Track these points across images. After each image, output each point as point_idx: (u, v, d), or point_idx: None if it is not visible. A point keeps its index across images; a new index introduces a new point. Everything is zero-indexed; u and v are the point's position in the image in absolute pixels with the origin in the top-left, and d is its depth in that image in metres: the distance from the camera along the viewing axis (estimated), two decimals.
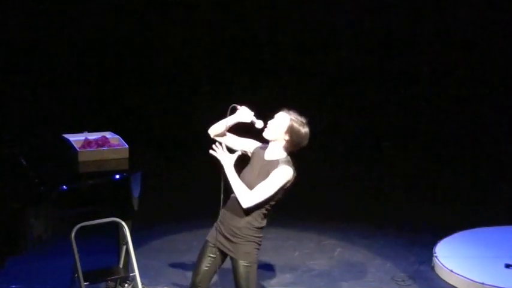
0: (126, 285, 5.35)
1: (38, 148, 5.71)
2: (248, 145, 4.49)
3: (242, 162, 4.43)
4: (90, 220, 4.93)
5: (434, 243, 6.40)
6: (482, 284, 5.74)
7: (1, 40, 8.33)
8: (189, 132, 9.10)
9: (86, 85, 8.89)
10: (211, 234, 4.50)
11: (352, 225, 7.12)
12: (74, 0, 8.78)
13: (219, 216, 4.48)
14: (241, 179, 4.33)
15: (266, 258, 6.16)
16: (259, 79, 9.13)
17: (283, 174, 4.25)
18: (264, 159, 4.36)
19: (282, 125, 4.31)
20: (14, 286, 5.63)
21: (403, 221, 7.23)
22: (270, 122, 4.35)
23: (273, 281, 5.93)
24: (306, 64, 9.34)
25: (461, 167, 8.66)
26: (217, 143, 4.35)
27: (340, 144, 9.02)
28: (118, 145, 5.47)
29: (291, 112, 4.35)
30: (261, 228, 4.38)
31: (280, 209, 4.41)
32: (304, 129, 4.32)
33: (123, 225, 5.11)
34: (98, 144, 5.41)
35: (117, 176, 5.12)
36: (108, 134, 5.63)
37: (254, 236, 4.37)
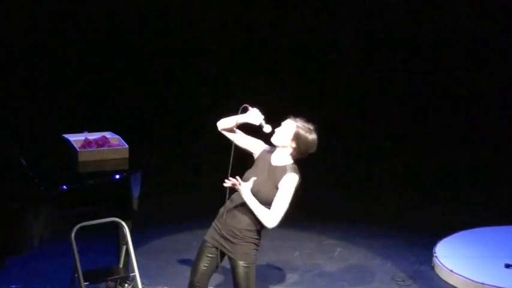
0: (126, 285, 5.35)
1: (38, 148, 5.71)
2: (254, 146, 4.49)
3: (241, 160, 4.43)
4: (90, 220, 4.93)
5: (434, 243, 6.41)
6: (482, 284, 5.74)
7: (1, 40, 8.33)
8: (189, 132, 9.12)
9: (86, 85, 8.89)
10: (210, 234, 4.50)
11: (352, 225, 7.12)
12: (74, 0, 8.79)
13: (217, 216, 4.49)
14: (245, 177, 4.34)
15: (266, 258, 6.16)
16: (259, 79, 9.13)
17: (292, 184, 4.27)
18: (271, 164, 4.36)
19: (288, 132, 4.31)
20: (14, 286, 5.63)
21: (403, 221, 7.23)
22: (276, 130, 4.35)
23: (273, 281, 5.93)
24: (306, 64, 9.35)
25: (461, 167, 8.66)
26: (231, 178, 4.28)
27: (340, 144, 9.01)
28: (118, 145, 5.47)
29: (297, 119, 4.36)
30: (261, 230, 4.40)
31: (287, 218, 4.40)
32: (311, 136, 4.32)
33: (123, 225, 5.11)
34: (98, 144, 5.41)
35: (117, 176, 5.12)
36: (108, 134, 5.63)
37: (253, 238, 4.38)
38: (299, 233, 6.86)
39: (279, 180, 4.27)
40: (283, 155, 4.35)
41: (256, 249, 4.41)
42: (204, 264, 4.49)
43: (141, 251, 6.08)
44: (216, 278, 5.40)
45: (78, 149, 5.31)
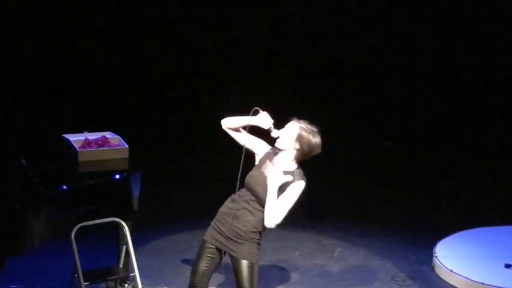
0: (126, 285, 5.35)
1: (38, 148, 5.71)
2: (258, 146, 4.49)
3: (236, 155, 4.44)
4: (90, 220, 4.92)
5: (434, 243, 6.40)
6: (482, 284, 5.74)
7: (1, 40, 8.34)
8: (189, 132, 9.13)
9: (86, 85, 8.90)
10: (210, 235, 4.50)
11: (352, 225, 7.11)
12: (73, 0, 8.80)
13: (216, 216, 4.49)
14: (251, 179, 4.35)
15: (266, 258, 6.16)
16: (259, 79, 9.14)
17: (299, 190, 4.29)
18: (277, 169, 4.35)
19: (291, 134, 4.32)
20: (14, 286, 5.63)
21: (403, 221, 7.23)
22: (280, 132, 4.36)
23: (273, 281, 5.92)
24: (306, 64, 9.36)
25: (461, 167, 8.66)
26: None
27: (340, 143, 9.01)
28: (118, 145, 5.47)
29: (301, 121, 4.36)
30: (263, 231, 4.42)
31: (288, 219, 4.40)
32: (315, 139, 4.33)
33: (123, 225, 5.11)
34: (98, 144, 5.41)
35: (117, 176, 5.12)
36: (108, 134, 5.63)
37: (257, 238, 4.41)
38: (299, 233, 6.86)
39: (286, 186, 4.28)
40: (288, 159, 4.36)
41: (259, 249, 4.44)
42: (204, 265, 4.50)
43: (141, 251, 6.07)
44: (217, 278, 5.41)
45: (78, 149, 5.31)
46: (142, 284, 5.15)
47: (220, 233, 4.44)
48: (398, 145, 9.22)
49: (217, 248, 4.47)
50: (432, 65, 9.20)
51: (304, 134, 4.31)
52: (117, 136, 5.60)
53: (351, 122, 9.32)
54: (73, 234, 4.85)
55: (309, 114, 4.45)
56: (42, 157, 5.41)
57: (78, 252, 4.89)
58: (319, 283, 5.97)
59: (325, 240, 6.82)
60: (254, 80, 9.08)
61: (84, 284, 4.89)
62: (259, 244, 4.43)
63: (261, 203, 4.31)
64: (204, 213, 4.76)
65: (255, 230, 4.38)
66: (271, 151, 4.45)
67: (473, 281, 5.80)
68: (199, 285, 4.51)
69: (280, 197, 4.27)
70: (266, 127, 4.39)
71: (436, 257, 6.19)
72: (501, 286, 5.69)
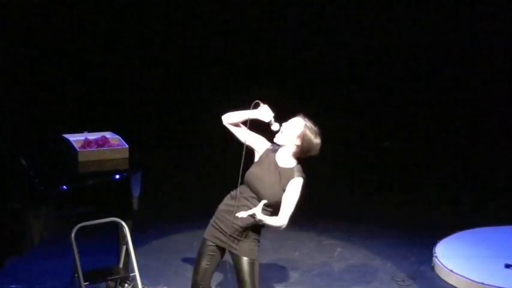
0: (126, 285, 5.35)
1: (38, 148, 5.71)
2: (258, 143, 4.49)
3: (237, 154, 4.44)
4: (90, 220, 4.93)
5: (434, 243, 6.40)
6: (482, 284, 5.74)
7: (1, 41, 8.33)
8: (189, 132, 9.12)
9: (86, 85, 8.89)
10: (209, 233, 4.51)
11: (352, 225, 7.11)
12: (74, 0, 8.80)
13: (216, 213, 4.50)
14: (251, 175, 4.36)
15: (266, 258, 6.16)
16: (259, 78, 9.13)
17: (299, 187, 4.32)
18: (278, 165, 4.37)
19: (295, 129, 4.33)
20: (14, 286, 5.62)
21: (403, 221, 7.23)
22: (284, 124, 4.36)
23: (273, 281, 5.92)
24: (306, 64, 9.35)
25: (461, 167, 8.66)
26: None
27: (339, 143, 9.01)
28: (118, 145, 5.47)
29: (306, 119, 4.38)
30: (262, 228, 4.44)
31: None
32: (316, 139, 4.35)
33: (123, 225, 5.11)
34: (98, 144, 5.41)
35: (117, 176, 5.12)
36: (108, 134, 5.63)
37: (257, 235, 4.44)
38: (299, 233, 6.86)
39: (287, 183, 4.31)
40: (287, 156, 4.37)
41: (258, 245, 4.46)
42: (206, 263, 4.51)
43: (141, 251, 6.07)
44: (217, 277, 5.41)
45: (78, 149, 5.31)
46: (142, 284, 5.15)
47: (220, 231, 4.44)
48: (398, 145, 9.22)
49: (217, 245, 4.47)
50: (432, 64, 9.19)
51: (308, 132, 4.33)
52: (117, 136, 5.60)
53: (351, 122, 9.31)
54: (73, 234, 4.85)
55: (309, 114, 4.45)
56: (42, 157, 5.40)
57: (78, 252, 4.89)
58: (319, 283, 5.97)
59: (325, 240, 6.82)
60: (254, 79, 9.08)
61: (84, 284, 4.89)
62: (259, 241, 4.45)
63: (260, 199, 4.33)
64: (204, 213, 4.76)
65: (255, 228, 4.39)
66: (271, 148, 4.45)
67: (473, 281, 5.80)
68: (201, 283, 4.52)
69: (283, 198, 4.29)
70: (267, 120, 4.40)
71: (436, 257, 6.19)
72: (501, 286, 5.69)
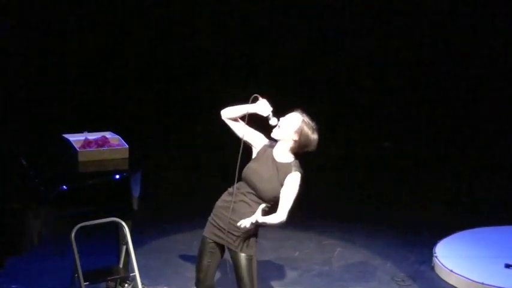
0: (126, 285, 5.35)
1: (38, 148, 5.71)
2: (256, 139, 4.49)
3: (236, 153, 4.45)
4: (90, 220, 4.93)
5: (434, 243, 6.40)
6: (482, 284, 5.74)
7: (1, 40, 8.34)
8: (189, 131, 9.12)
9: (86, 85, 8.89)
10: (208, 230, 4.52)
11: (352, 225, 7.11)
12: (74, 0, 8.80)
13: (214, 210, 4.51)
14: (249, 171, 4.37)
15: (266, 258, 6.16)
16: (259, 78, 9.13)
17: (297, 182, 4.33)
18: (275, 160, 4.38)
19: (293, 124, 4.34)
20: (14, 286, 5.63)
21: (403, 221, 7.23)
22: (281, 119, 4.38)
23: (273, 281, 5.92)
24: (306, 64, 9.35)
25: (461, 167, 8.66)
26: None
27: (339, 143, 9.02)
28: (118, 145, 5.47)
29: (304, 115, 4.39)
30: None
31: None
32: (313, 135, 4.36)
33: (123, 225, 5.11)
34: (98, 144, 5.41)
35: (117, 176, 5.12)
36: (108, 134, 5.63)
37: (255, 231, 4.43)
38: (299, 233, 6.86)
39: (284, 178, 4.32)
40: (284, 150, 4.38)
41: (257, 241, 4.46)
42: (207, 260, 4.52)
43: (141, 251, 6.07)
44: (218, 277, 5.41)
45: (78, 149, 5.31)
46: (142, 284, 5.15)
47: (218, 228, 4.46)
48: (398, 145, 9.22)
49: (216, 242, 4.48)
50: (432, 65, 9.19)
51: (305, 127, 4.34)
52: (117, 136, 5.60)
53: (352, 122, 9.32)
54: (73, 234, 4.85)
55: (309, 114, 4.46)
56: (42, 157, 5.40)
57: (78, 252, 4.89)
58: (319, 283, 5.97)
59: (325, 240, 6.82)
60: (254, 79, 9.08)
61: (84, 284, 4.89)
62: (257, 236, 4.45)
63: (258, 194, 4.34)
64: (204, 213, 4.76)
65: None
66: (268, 144, 4.46)
67: (473, 281, 5.80)
68: (205, 280, 4.54)
69: (281, 193, 4.30)
70: (265, 114, 4.41)
71: (436, 257, 6.19)
72: (501, 286, 5.69)
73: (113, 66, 9.01)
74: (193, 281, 4.65)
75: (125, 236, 5.14)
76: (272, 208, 4.37)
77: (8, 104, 8.26)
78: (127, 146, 5.44)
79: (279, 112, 4.43)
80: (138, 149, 5.49)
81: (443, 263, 6.07)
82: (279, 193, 4.33)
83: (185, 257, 6.12)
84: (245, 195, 4.39)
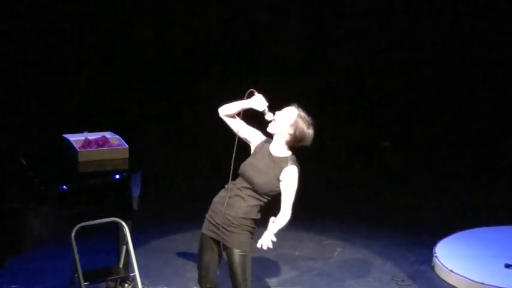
0: (126, 285, 5.35)
1: (38, 148, 5.71)
2: (252, 136, 4.51)
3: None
4: (90, 220, 4.93)
5: (434, 243, 6.40)
6: (482, 284, 5.74)
7: (1, 40, 8.34)
8: (189, 131, 9.12)
9: (86, 85, 8.89)
10: (205, 226, 4.54)
11: (352, 225, 7.11)
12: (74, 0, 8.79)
13: (211, 206, 4.53)
14: (245, 165, 4.39)
15: (266, 257, 6.16)
16: (258, 78, 9.12)
17: (295, 176, 4.35)
18: (271, 154, 4.41)
19: (288, 118, 4.36)
20: (14, 286, 5.62)
21: (403, 221, 7.23)
22: (277, 113, 4.39)
23: (273, 281, 5.93)
24: (306, 63, 9.35)
25: (461, 167, 8.66)
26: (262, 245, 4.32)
27: (339, 143, 9.01)
28: (118, 145, 5.47)
29: (300, 109, 4.39)
30: (256, 220, 4.45)
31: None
32: (309, 130, 4.37)
33: (123, 225, 5.11)
34: (98, 144, 5.41)
35: (117, 176, 5.12)
36: (108, 134, 5.63)
37: (249, 226, 4.44)
38: (299, 233, 6.86)
39: (281, 172, 4.34)
40: (280, 144, 4.40)
41: (252, 238, 4.45)
42: (207, 257, 4.54)
43: (141, 251, 6.07)
44: (222, 272, 5.40)
45: (78, 149, 5.31)
46: (142, 284, 5.15)
47: (213, 224, 4.47)
48: (397, 145, 9.22)
49: (213, 238, 4.48)
50: (432, 64, 9.19)
51: (301, 121, 4.35)
52: (117, 136, 5.60)
53: (351, 122, 9.31)
54: (73, 234, 4.85)
55: (309, 112, 4.46)
56: (42, 157, 5.40)
57: (78, 252, 4.89)
58: (319, 283, 5.97)
59: (325, 240, 6.82)
60: (253, 79, 9.07)
61: (84, 284, 4.89)
62: (252, 233, 4.45)
63: (254, 188, 4.36)
64: (204, 213, 4.76)
65: (246, 216, 4.40)
66: (266, 140, 4.48)
67: (473, 281, 5.80)
68: (207, 277, 4.55)
69: (282, 191, 4.33)
70: (261, 109, 4.42)
71: (436, 257, 6.19)
72: (501, 286, 5.69)
73: (113, 66, 9.01)
74: (194, 281, 4.66)
75: (125, 236, 5.14)
76: (267, 204, 4.39)
77: (8, 104, 8.27)
78: (127, 146, 5.44)
79: (277, 110, 4.44)
80: (138, 149, 5.49)
81: (443, 263, 6.07)
82: (274, 187, 4.35)
83: (185, 257, 6.12)
84: (240, 190, 4.40)
